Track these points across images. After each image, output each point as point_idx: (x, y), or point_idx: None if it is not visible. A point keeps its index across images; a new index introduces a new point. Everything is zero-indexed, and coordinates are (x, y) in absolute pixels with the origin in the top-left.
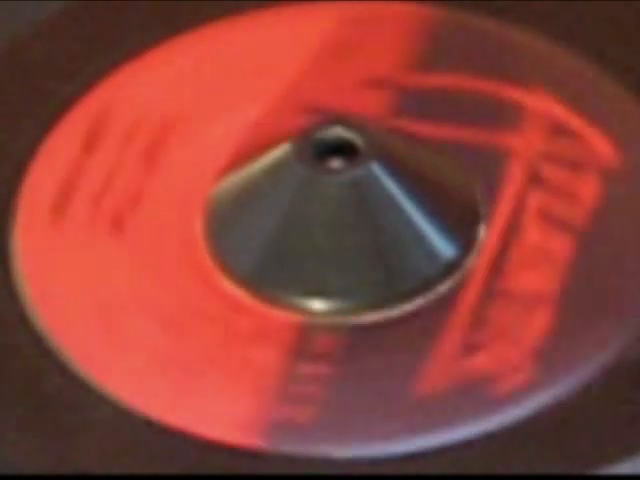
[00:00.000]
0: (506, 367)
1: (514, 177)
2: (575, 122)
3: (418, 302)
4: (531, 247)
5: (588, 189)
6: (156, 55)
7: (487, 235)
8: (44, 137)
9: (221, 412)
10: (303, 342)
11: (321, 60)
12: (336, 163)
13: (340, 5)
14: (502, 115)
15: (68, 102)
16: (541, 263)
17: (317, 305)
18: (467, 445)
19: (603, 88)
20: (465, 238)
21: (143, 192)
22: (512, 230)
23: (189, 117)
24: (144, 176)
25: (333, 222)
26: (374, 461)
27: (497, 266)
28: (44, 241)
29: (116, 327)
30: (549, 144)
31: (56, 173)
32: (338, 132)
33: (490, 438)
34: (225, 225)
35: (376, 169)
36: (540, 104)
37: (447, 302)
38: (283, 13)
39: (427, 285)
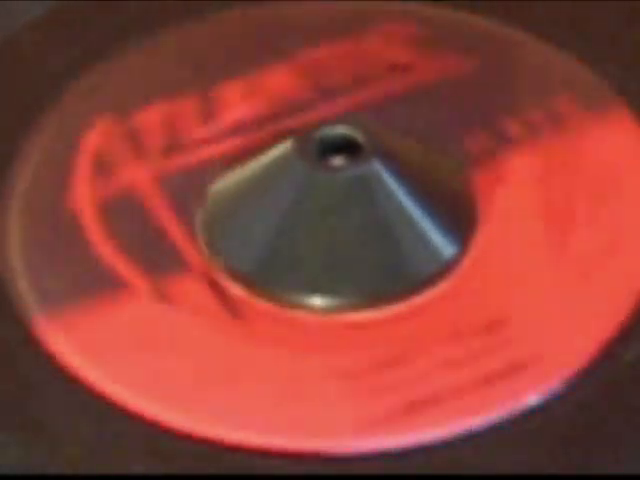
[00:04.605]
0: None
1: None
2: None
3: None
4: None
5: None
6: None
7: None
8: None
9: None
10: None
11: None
12: (338, 161)
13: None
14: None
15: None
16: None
17: (317, 302)
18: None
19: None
20: (465, 236)
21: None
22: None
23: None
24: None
25: (334, 220)
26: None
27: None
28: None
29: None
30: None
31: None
32: (340, 130)
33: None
34: (226, 222)
35: (378, 167)
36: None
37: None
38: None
39: (427, 283)
